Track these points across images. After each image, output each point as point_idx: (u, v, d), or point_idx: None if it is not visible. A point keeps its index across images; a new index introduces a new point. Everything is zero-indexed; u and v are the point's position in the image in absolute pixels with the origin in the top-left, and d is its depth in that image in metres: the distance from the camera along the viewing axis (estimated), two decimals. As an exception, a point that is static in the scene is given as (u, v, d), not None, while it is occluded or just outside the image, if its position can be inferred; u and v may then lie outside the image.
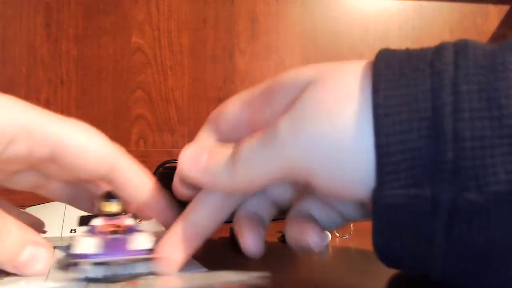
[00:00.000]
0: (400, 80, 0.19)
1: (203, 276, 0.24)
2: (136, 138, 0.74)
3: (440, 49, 0.19)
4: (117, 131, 0.75)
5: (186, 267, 0.25)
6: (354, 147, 0.19)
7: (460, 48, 0.19)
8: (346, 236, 0.36)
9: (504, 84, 0.17)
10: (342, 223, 0.27)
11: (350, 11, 0.81)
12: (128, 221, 0.25)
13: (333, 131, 0.19)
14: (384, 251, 0.21)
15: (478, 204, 0.17)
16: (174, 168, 0.53)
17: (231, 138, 0.26)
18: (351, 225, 0.40)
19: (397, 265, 0.22)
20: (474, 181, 0.17)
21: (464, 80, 0.18)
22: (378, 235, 0.20)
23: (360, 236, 0.36)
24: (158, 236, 0.35)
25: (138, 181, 0.27)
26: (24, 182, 0.27)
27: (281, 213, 0.50)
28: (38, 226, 0.30)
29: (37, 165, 0.25)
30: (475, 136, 0.17)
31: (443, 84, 0.18)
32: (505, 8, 0.86)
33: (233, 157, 0.23)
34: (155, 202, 0.28)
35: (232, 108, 0.26)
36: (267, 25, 0.78)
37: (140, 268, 0.23)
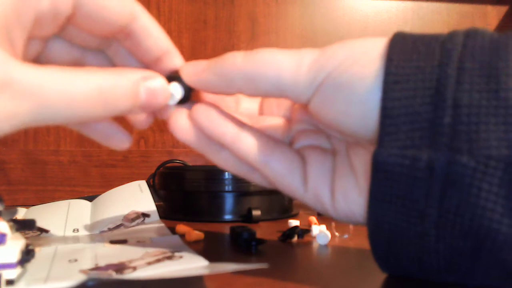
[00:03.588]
0: (412, 54, 0.20)
1: (204, 267, 0.24)
2: (137, 138, 0.74)
3: (452, 33, 0.21)
4: (117, 131, 0.75)
5: (188, 260, 0.26)
6: (367, 104, 0.21)
7: (470, 33, 0.20)
8: (346, 236, 0.37)
9: (505, 65, 0.19)
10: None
11: (349, 12, 0.81)
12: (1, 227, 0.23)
13: (352, 85, 0.21)
14: (378, 232, 0.22)
15: (469, 167, 0.18)
16: (174, 168, 0.54)
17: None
18: (350, 225, 0.40)
19: (392, 256, 0.22)
20: (467, 144, 0.18)
21: (470, 59, 0.19)
22: (373, 208, 0.21)
23: (360, 236, 0.37)
24: (161, 234, 0.35)
25: (157, 31, 0.25)
26: (57, 52, 0.26)
27: (281, 213, 0.50)
28: None
29: (63, 26, 0.24)
30: (472, 104, 0.19)
31: (450, 60, 0.20)
32: (503, 9, 0.86)
33: (247, 52, 0.24)
34: (172, 55, 0.26)
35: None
36: (267, 26, 0.79)
37: None
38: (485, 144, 0.18)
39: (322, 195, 0.25)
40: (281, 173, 0.25)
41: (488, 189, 0.18)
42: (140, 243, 0.32)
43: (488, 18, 0.86)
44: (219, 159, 0.27)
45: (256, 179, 0.27)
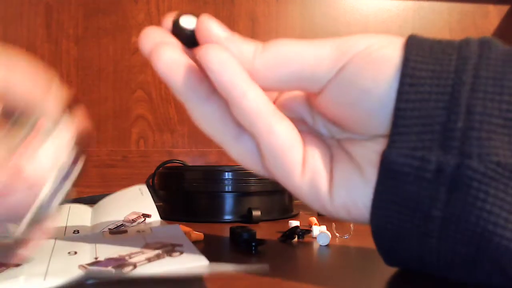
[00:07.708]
0: (429, 58, 0.21)
1: (204, 267, 0.24)
2: (136, 138, 0.74)
3: (466, 40, 0.21)
4: (117, 131, 0.75)
5: (188, 257, 0.26)
6: (381, 102, 0.21)
7: (485, 42, 0.21)
8: (346, 236, 0.36)
9: None
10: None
11: (350, 11, 0.81)
12: None
13: (367, 88, 0.21)
14: (381, 231, 0.22)
15: (479, 172, 0.19)
16: (174, 168, 0.54)
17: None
18: (351, 225, 0.40)
19: (394, 252, 0.22)
20: (478, 149, 0.19)
21: (485, 68, 0.20)
22: (378, 207, 0.21)
23: (360, 236, 0.36)
24: (163, 232, 0.34)
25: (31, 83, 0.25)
26: None
27: (282, 213, 0.50)
28: None
29: None
30: (485, 112, 0.19)
31: (466, 68, 0.20)
32: (504, 8, 0.86)
33: (265, 44, 0.25)
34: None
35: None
36: (267, 26, 0.79)
37: None
38: (495, 151, 0.19)
39: (320, 179, 0.23)
40: (285, 144, 0.22)
41: (494, 194, 0.18)
42: (140, 233, 0.31)
43: (489, 17, 0.86)
44: (201, 113, 0.24)
45: (236, 150, 0.24)
